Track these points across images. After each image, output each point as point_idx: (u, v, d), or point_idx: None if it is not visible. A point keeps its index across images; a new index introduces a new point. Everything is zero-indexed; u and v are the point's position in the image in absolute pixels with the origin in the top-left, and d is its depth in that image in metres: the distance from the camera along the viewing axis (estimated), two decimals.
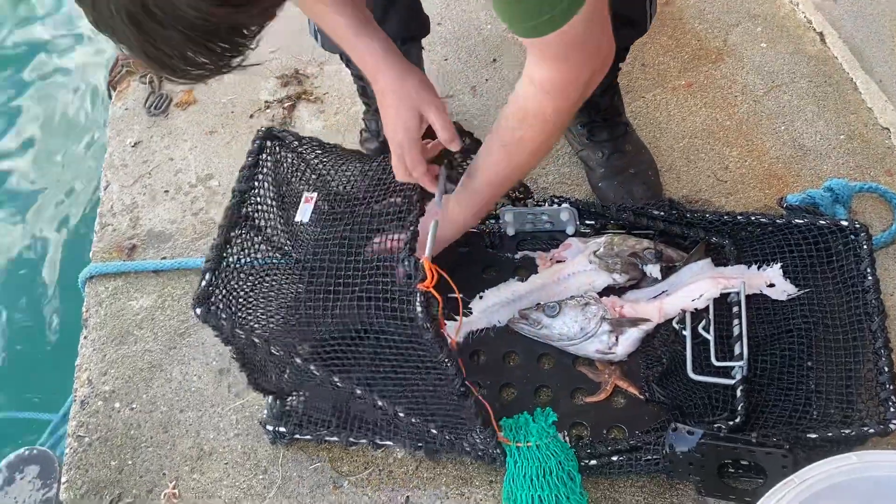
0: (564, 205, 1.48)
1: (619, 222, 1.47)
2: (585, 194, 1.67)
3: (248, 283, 1.22)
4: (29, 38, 3.03)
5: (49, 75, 2.90)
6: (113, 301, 1.70)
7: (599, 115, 1.61)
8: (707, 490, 1.23)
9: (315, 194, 1.29)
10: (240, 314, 1.15)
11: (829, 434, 1.18)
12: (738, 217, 1.41)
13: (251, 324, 1.15)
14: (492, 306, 1.45)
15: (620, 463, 1.25)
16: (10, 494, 1.26)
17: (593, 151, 1.63)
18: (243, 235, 1.23)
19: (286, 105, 1.99)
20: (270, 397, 1.41)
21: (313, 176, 1.39)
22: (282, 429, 1.39)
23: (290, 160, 1.37)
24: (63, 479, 1.48)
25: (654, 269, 1.39)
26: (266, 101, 2.01)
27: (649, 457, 1.23)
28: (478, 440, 1.26)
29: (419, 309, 1.07)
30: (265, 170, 1.31)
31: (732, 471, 1.21)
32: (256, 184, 1.29)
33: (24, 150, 2.72)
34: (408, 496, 1.36)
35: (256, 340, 1.15)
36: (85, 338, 1.66)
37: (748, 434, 1.16)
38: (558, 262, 1.47)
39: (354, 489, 1.38)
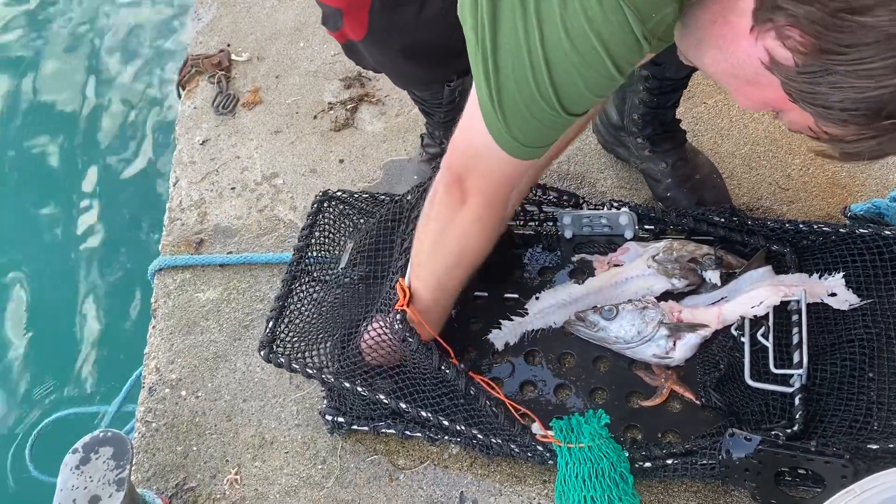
0: (624, 209, 1.49)
1: (679, 228, 1.47)
2: (645, 199, 1.68)
3: (305, 327, 1.45)
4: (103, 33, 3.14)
5: (121, 73, 3.00)
6: (180, 293, 1.76)
7: (662, 128, 1.62)
8: (762, 497, 1.22)
9: (352, 243, 1.51)
10: (297, 354, 1.39)
11: (891, 445, 1.17)
12: (801, 225, 1.40)
13: (306, 360, 1.39)
14: (548, 308, 1.46)
15: (675, 466, 1.25)
16: (85, 474, 1.32)
17: (655, 163, 1.63)
18: (302, 287, 1.49)
19: (349, 107, 2.03)
20: (329, 389, 1.45)
21: (365, 222, 1.59)
22: (340, 419, 1.43)
23: (348, 214, 1.60)
24: None
25: (713, 275, 1.39)
26: (329, 103, 2.06)
27: (705, 461, 1.23)
28: (520, 441, 1.30)
29: (397, 326, 1.26)
30: (323, 228, 1.56)
31: (789, 479, 1.21)
32: (314, 241, 1.53)
33: (97, 146, 2.82)
34: (462, 491, 1.39)
35: (310, 372, 1.35)
36: (153, 327, 1.72)
37: (807, 442, 1.16)
38: (616, 265, 1.48)
39: (410, 482, 1.41)
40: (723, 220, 1.43)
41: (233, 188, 1.93)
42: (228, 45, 2.25)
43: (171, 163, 2.04)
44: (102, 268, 2.53)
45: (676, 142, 1.62)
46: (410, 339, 1.28)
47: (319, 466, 1.46)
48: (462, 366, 1.34)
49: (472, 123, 1.08)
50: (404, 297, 1.27)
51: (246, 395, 1.58)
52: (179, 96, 2.21)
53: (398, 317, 1.28)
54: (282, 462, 1.48)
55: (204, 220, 1.89)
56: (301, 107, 2.07)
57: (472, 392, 1.30)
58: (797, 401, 1.24)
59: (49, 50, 3.04)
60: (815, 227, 1.39)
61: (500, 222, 1.28)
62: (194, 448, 1.54)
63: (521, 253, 1.57)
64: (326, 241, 1.58)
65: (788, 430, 1.21)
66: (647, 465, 1.27)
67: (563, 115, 1.00)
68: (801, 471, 1.19)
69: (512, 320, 1.47)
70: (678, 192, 1.59)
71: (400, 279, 1.30)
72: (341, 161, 1.93)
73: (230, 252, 1.80)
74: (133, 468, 1.50)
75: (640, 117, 1.59)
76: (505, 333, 1.46)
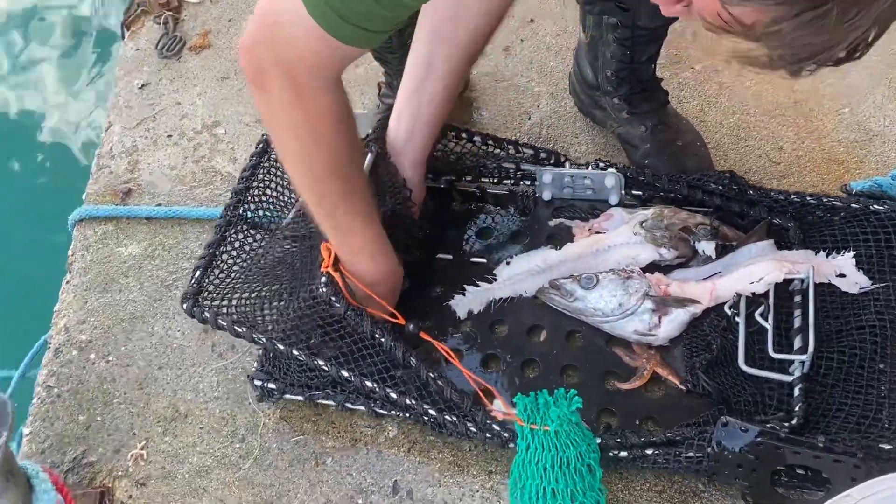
0: (611, 170, 1.32)
1: (671, 195, 1.31)
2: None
3: (238, 279, 1.29)
4: None
5: (63, 12, 2.78)
6: (101, 246, 1.59)
7: (640, 86, 1.46)
8: (755, 498, 1.06)
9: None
10: (225, 309, 1.23)
11: None
12: (808, 198, 1.25)
13: (236, 317, 1.22)
14: (519, 274, 1.29)
15: (655, 458, 1.08)
16: None
17: (634, 126, 1.47)
18: (238, 235, 1.33)
19: None
20: (263, 350, 1.26)
21: None
22: (271, 385, 1.25)
23: None
24: (26, 432, 1.36)
25: (707, 247, 1.23)
26: None
27: (691, 454, 1.06)
28: (477, 419, 1.14)
29: (322, 290, 1.13)
30: (268, 170, 1.39)
31: (786, 479, 1.04)
32: (256, 183, 1.37)
33: (29, 85, 2.60)
34: (396, 480, 1.21)
35: (239, 331, 1.19)
36: (67, 282, 1.54)
37: (813, 437, 0.99)
38: (598, 233, 1.31)
39: (338, 467, 1.23)
40: (720, 187, 1.27)
41: (169, 136, 1.76)
42: None
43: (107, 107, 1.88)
44: (22, 218, 2.30)
45: (656, 103, 1.47)
46: (337, 304, 1.13)
47: (237, 445, 1.28)
48: (412, 327, 1.17)
49: None
50: (329, 257, 1.14)
51: (162, 361, 1.40)
52: (123, 37, 2.01)
53: (322, 279, 1.14)
54: (195, 438, 1.30)
55: (135, 169, 1.71)
56: None
57: (411, 363, 1.14)
58: (797, 391, 1.08)
59: None
60: (825, 200, 1.24)
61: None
62: (98, 418, 1.35)
63: (493, 213, 1.40)
64: (270, 185, 1.39)
65: (786, 424, 1.05)
66: (623, 454, 1.10)
67: None
68: (799, 471, 1.03)
69: (478, 286, 1.29)
70: (657, 160, 1.42)
71: (323, 244, 1.17)
72: None
73: (159, 204, 1.63)
74: (27, 438, 1.34)
75: (613, 74, 1.43)
76: (469, 300, 1.29)
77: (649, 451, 1.08)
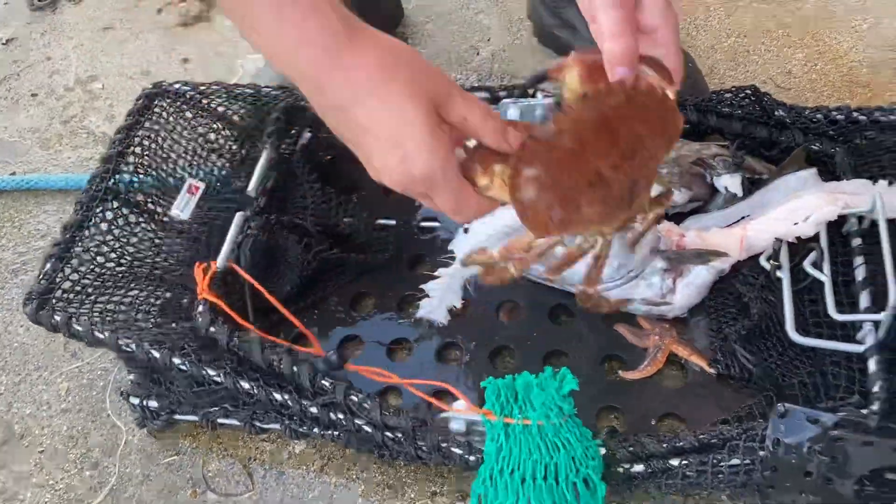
0: None
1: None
2: None
3: (104, 272, 0.96)
4: None
5: None
6: None
7: None
8: None
9: (203, 184, 1.03)
10: (85, 309, 0.90)
11: None
12: (856, 115, 0.94)
13: (100, 320, 0.90)
14: (484, 241, 0.97)
15: (683, 470, 0.77)
16: None
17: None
18: (107, 214, 0.98)
19: None
20: None
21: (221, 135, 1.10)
22: (153, 403, 0.93)
23: (190, 117, 1.09)
24: None
25: (731, 182, 0.93)
26: None
27: (735, 461, 0.75)
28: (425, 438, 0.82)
29: (199, 320, 0.88)
30: (150, 133, 1.06)
31: (872, 489, 0.74)
32: (134, 148, 1.03)
33: None
34: None
35: (101, 337, 0.88)
36: None
37: None
38: None
39: (223, 499, 0.92)
40: (739, 110, 0.97)
41: (34, 94, 1.48)
42: None
43: None
44: None
45: None
46: (219, 336, 0.86)
47: (88, 473, 0.97)
48: (333, 357, 0.84)
49: None
50: (203, 280, 0.88)
51: None
52: None
53: (199, 308, 0.88)
54: (31, 467, 0.99)
55: None
56: None
57: (324, 388, 0.84)
58: (873, 364, 0.79)
59: None
60: (880, 116, 0.94)
61: None
62: None
63: None
64: (152, 151, 1.04)
65: (864, 411, 0.75)
66: (637, 468, 0.79)
67: None
68: (891, 475, 0.73)
69: (437, 277, 0.99)
70: None
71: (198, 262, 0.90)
72: (185, 61, 1.47)
73: (12, 173, 1.34)
74: None
75: None
76: (441, 299, 0.97)
77: (675, 462, 0.77)
